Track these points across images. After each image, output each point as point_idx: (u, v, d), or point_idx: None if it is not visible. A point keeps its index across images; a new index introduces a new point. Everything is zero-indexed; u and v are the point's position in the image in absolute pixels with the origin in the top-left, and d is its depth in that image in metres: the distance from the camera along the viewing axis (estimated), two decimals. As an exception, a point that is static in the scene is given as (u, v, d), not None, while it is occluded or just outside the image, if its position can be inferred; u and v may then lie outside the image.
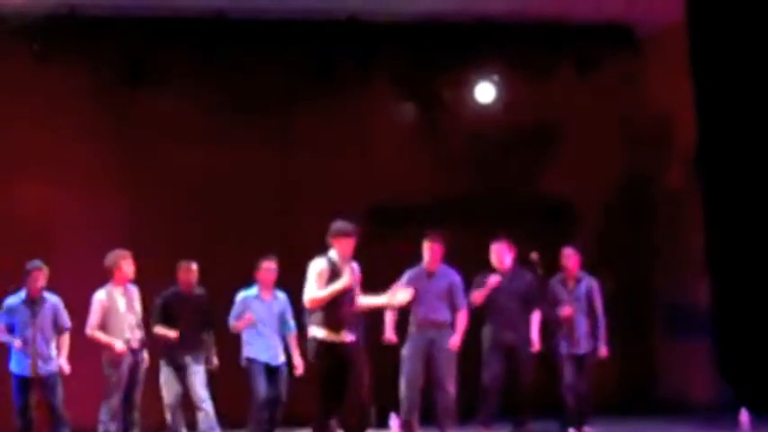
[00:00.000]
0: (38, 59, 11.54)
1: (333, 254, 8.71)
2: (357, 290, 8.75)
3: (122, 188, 12.08)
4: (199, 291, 10.37)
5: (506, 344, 10.34)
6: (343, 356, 8.58)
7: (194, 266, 10.29)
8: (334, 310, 8.60)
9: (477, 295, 10.36)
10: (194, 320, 10.21)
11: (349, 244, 8.68)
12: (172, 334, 10.09)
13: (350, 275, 8.57)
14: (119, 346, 9.83)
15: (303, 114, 12.41)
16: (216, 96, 12.20)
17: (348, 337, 8.62)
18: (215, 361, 10.36)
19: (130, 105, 12.02)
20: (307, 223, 12.06)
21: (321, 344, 8.65)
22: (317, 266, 8.65)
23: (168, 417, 10.18)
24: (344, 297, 8.61)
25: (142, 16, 11.67)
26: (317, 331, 8.66)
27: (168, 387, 10.18)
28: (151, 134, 12.16)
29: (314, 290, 8.63)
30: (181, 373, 10.15)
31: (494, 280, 10.35)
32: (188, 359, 10.13)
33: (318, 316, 8.65)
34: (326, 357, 8.61)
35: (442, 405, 10.24)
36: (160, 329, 10.16)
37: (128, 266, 10.00)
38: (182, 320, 10.16)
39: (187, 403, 10.26)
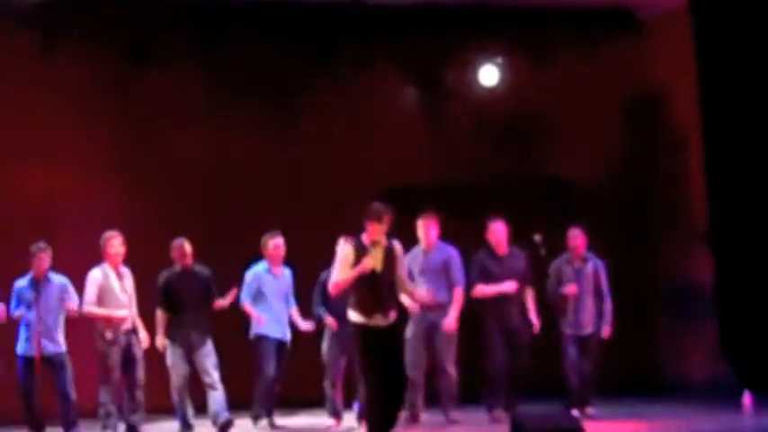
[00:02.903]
0: (40, 45, 11.53)
1: (365, 237, 8.61)
2: (397, 271, 8.66)
3: (125, 173, 12.10)
4: (199, 268, 10.33)
5: (509, 326, 10.36)
6: (377, 340, 8.52)
7: (185, 243, 10.22)
8: (363, 294, 8.55)
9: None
10: (197, 298, 10.18)
11: (375, 229, 8.52)
12: (159, 339, 10.08)
13: (372, 259, 8.46)
14: (118, 314, 9.88)
15: (306, 99, 12.38)
16: (218, 81, 12.17)
17: (380, 320, 8.55)
18: None
19: (133, 90, 11.98)
20: (309, 208, 12.17)
21: (356, 326, 8.64)
22: (342, 251, 8.62)
23: (175, 398, 10.16)
24: (373, 280, 8.50)
25: (144, 3, 11.65)
26: (351, 314, 8.66)
27: (175, 368, 10.12)
28: (153, 119, 12.15)
29: (335, 274, 8.64)
30: (188, 352, 10.10)
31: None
32: (194, 337, 10.09)
33: (352, 299, 8.63)
34: (362, 340, 8.58)
35: (444, 387, 10.28)
36: (159, 315, 10.15)
37: (113, 247, 10.03)
38: (184, 299, 10.14)
39: (193, 385, 10.26)
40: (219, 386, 10.06)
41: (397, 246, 8.74)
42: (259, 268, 10.47)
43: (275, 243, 10.44)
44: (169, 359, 10.16)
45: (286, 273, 10.56)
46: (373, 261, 8.50)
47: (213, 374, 10.07)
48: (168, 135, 12.18)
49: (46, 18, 11.48)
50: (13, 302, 9.92)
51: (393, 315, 8.65)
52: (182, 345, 10.11)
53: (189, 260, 10.23)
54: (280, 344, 10.40)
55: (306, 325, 10.48)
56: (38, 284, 9.89)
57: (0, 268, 10.72)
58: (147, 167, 12.16)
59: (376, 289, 8.53)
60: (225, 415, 9.96)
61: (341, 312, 10.03)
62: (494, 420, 10.31)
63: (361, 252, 8.53)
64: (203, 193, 12.20)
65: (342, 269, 8.57)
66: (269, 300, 10.38)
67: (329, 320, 10.23)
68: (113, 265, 10.06)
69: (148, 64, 11.85)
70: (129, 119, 12.17)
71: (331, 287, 8.73)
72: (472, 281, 10.40)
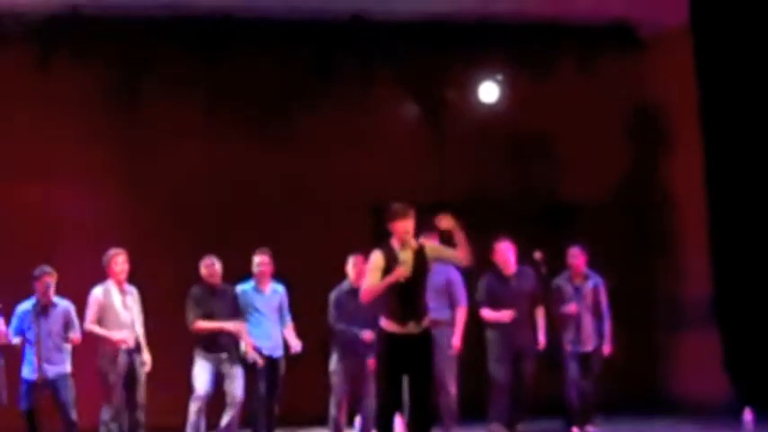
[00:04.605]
0: (41, 60, 11.53)
1: (393, 241, 8.40)
2: (442, 254, 8.48)
3: (126, 188, 12.11)
4: (227, 287, 10.26)
5: (515, 344, 10.34)
6: (407, 348, 8.31)
7: (215, 261, 10.19)
8: (395, 302, 8.32)
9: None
10: (226, 317, 10.11)
11: (402, 226, 8.29)
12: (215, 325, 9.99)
13: (405, 267, 8.22)
14: (117, 336, 9.83)
15: (306, 113, 12.42)
16: (219, 96, 12.22)
17: (414, 328, 8.35)
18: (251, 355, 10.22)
19: (133, 105, 12.00)
20: (309, 221, 12.17)
21: (382, 333, 8.45)
22: (372, 259, 8.38)
23: (193, 409, 10.00)
24: (405, 287, 8.29)
25: (144, 16, 11.66)
26: (383, 322, 8.45)
27: (199, 380, 10.02)
28: (154, 134, 12.17)
29: (366, 282, 8.42)
30: (218, 368, 10.04)
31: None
32: (224, 356, 10.04)
33: (384, 306, 8.41)
34: (386, 348, 8.38)
35: (444, 405, 10.24)
36: (202, 324, 10.02)
37: (117, 264, 9.98)
38: (215, 316, 10.07)
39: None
40: (238, 407, 10.01)
41: (428, 242, 8.54)
42: (246, 286, 10.39)
43: (260, 261, 10.34)
44: (196, 369, 10.06)
45: (278, 288, 10.46)
46: (405, 268, 8.27)
47: (238, 394, 10.01)
48: (170, 150, 12.19)
49: (46, 33, 11.49)
50: (15, 325, 9.78)
51: (426, 321, 8.43)
52: (211, 361, 10.06)
53: (218, 278, 10.18)
54: (271, 360, 10.30)
55: (297, 346, 10.38)
56: (42, 308, 9.77)
57: (1, 287, 10.71)
58: (149, 182, 12.17)
59: (408, 296, 8.32)
60: None
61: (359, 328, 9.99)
62: None
63: (390, 257, 8.32)
64: (205, 208, 12.19)
65: (372, 275, 8.35)
66: (260, 316, 10.30)
67: (367, 336, 9.89)
68: (117, 282, 10.02)
69: (149, 78, 11.86)
70: (130, 133, 12.16)
71: (362, 294, 8.51)
72: (479, 302, 10.36)
